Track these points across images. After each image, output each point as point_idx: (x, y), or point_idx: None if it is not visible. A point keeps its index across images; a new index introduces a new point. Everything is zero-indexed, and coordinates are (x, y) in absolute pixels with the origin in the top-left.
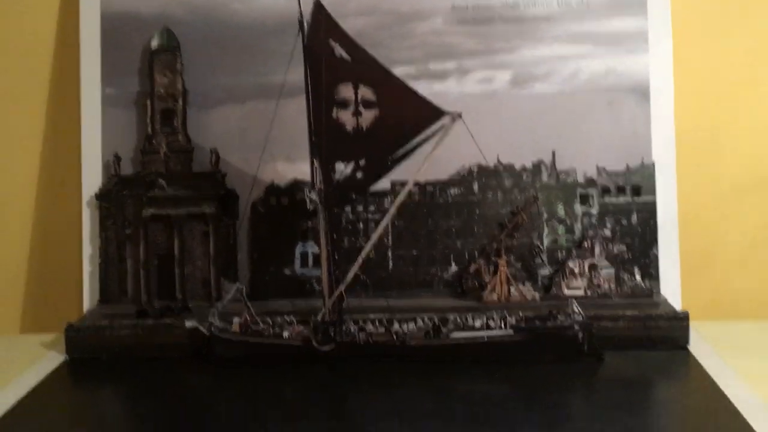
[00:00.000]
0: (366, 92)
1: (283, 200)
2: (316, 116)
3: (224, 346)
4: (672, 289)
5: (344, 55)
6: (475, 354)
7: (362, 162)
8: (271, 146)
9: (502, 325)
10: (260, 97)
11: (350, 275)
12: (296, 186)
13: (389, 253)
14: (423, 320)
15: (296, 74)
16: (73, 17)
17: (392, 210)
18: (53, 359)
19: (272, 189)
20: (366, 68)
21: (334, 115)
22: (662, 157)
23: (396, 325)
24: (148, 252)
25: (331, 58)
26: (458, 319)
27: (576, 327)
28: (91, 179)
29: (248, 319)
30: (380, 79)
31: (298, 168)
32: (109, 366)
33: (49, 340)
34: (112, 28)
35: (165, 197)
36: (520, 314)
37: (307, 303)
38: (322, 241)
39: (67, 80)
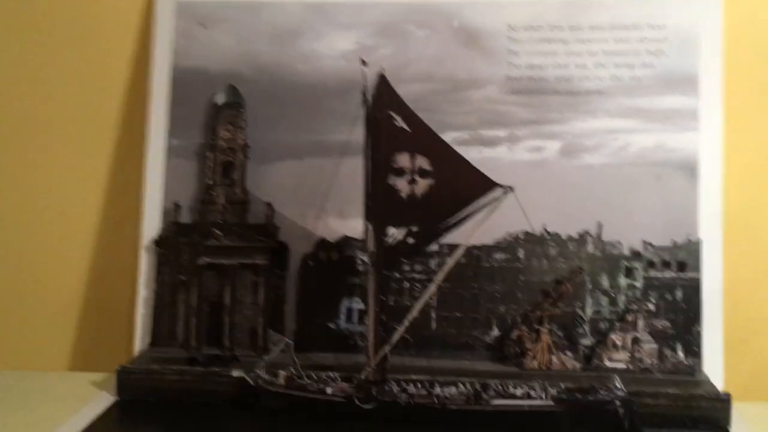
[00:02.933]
0: (422, 162)
1: (332, 255)
2: (373, 181)
3: (269, 397)
4: (714, 367)
5: (404, 125)
6: (514, 422)
7: (415, 228)
8: (325, 202)
9: (543, 395)
10: (317, 154)
11: (396, 337)
12: (346, 242)
13: (433, 314)
14: (464, 385)
15: (354, 136)
16: (145, 69)
17: (440, 276)
18: (104, 399)
19: (323, 244)
20: (423, 139)
21: (390, 181)
22: (708, 234)
23: (437, 389)
24: (200, 299)
25: (391, 128)
26: (499, 386)
27: (617, 402)
28: (151, 225)
29: (294, 372)
30: (437, 150)
31: (349, 225)
32: (157, 409)
33: (99, 379)
34: (182, 82)
35: (220, 247)
36: (562, 386)
37: (349, 358)
38: (371, 302)
39: (135, 129)
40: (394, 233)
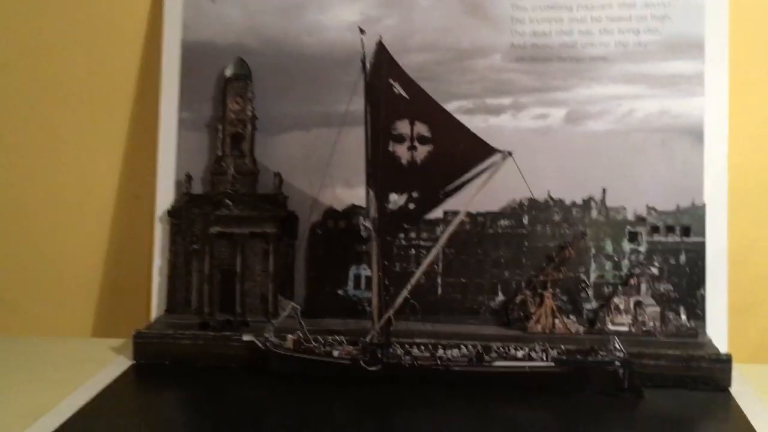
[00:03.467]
0: (421, 128)
1: (340, 224)
2: (373, 149)
3: (278, 360)
4: (718, 331)
5: (402, 93)
6: (516, 383)
7: (415, 194)
8: (332, 172)
9: (544, 357)
10: (324, 125)
11: (399, 300)
12: (353, 211)
13: (439, 280)
14: (467, 347)
15: (357, 105)
16: (156, 44)
17: (443, 240)
18: (121, 363)
19: (330, 213)
20: (422, 106)
21: (390, 148)
22: (714, 199)
23: (441, 351)
24: (212, 267)
25: (390, 95)
26: (501, 349)
27: (617, 363)
28: (165, 196)
29: (301, 336)
30: (435, 117)
31: (356, 194)
32: (172, 372)
33: (118, 345)
34: (191, 56)
35: (230, 216)
36: (562, 347)
37: (357, 323)
38: (374, 267)
39: (147, 103)
40: (396, 199)
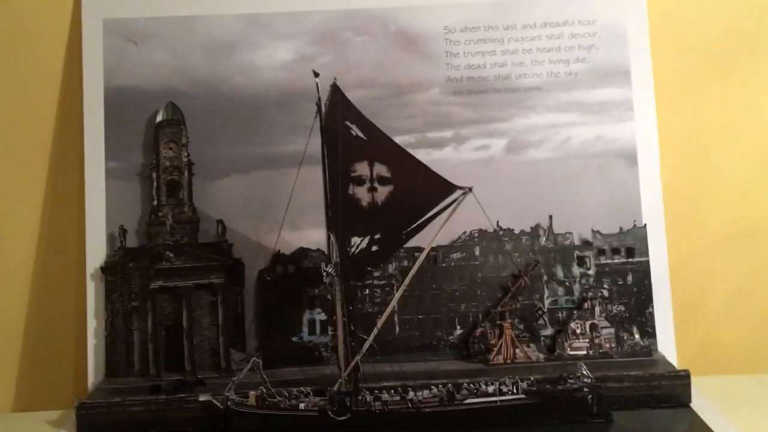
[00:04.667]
0: (381, 169)
1: (289, 268)
2: (332, 192)
3: (241, 419)
4: (667, 346)
5: (360, 134)
6: (488, 418)
7: (378, 236)
8: (276, 215)
9: (515, 390)
10: (263, 167)
11: (366, 346)
12: (302, 254)
13: (395, 318)
14: (438, 387)
15: (296, 145)
16: (76, 92)
17: (407, 280)
18: None
19: (278, 258)
20: (381, 146)
21: (350, 191)
22: (651, 219)
23: (411, 393)
24: (155, 324)
25: (348, 137)
26: (471, 385)
27: (585, 389)
28: (96, 252)
29: (264, 391)
30: (394, 157)
31: (304, 235)
32: None
33: (54, 417)
34: (116, 102)
35: (172, 269)
36: (532, 379)
37: (316, 370)
38: (338, 312)
39: (70, 154)
40: (357, 242)
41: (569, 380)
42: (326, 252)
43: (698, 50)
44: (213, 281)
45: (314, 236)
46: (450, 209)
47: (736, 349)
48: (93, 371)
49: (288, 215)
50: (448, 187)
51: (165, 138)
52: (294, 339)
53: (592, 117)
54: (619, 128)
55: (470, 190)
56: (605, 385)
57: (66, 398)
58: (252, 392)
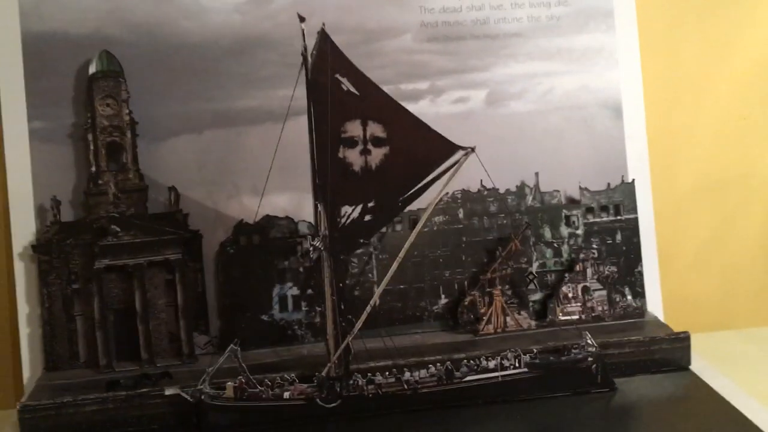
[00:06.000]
0: (375, 129)
1: (254, 239)
2: (320, 156)
3: (217, 413)
4: (655, 305)
5: (352, 89)
6: (487, 395)
7: (371, 204)
8: (236, 179)
9: (517, 363)
10: (219, 125)
11: (357, 326)
12: (268, 222)
13: (374, 288)
14: (435, 366)
15: (257, 100)
16: None
17: (402, 254)
18: None
19: (241, 227)
20: (375, 103)
21: (340, 154)
22: (637, 173)
23: (407, 374)
24: (103, 308)
25: (338, 93)
26: (472, 362)
27: (590, 359)
28: (23, 228)
29: (243, 381)
30: (391, 115)
31: (268, 201)
32: None
33: None
34: (37, 51)
35: (120, 245)
36: (534, 351)
37: (291, 351)
38: (327, 290)
39: None
40: (348, 212)
41: (573, 350)
42: (314, 223)
43: None
44: (168, 257)
45: (280, 202)
46: (450, 172)
47: (713, 304)
48: (29, 365)
49: (249, 178)
50: (449, 148)
51: (101, 93)
52: (264, 317)
53: (575, 65)
54: (604, 77)
55: (473, 150)
56: (606, 352)
57: (2, 397)
58: (229, 383)
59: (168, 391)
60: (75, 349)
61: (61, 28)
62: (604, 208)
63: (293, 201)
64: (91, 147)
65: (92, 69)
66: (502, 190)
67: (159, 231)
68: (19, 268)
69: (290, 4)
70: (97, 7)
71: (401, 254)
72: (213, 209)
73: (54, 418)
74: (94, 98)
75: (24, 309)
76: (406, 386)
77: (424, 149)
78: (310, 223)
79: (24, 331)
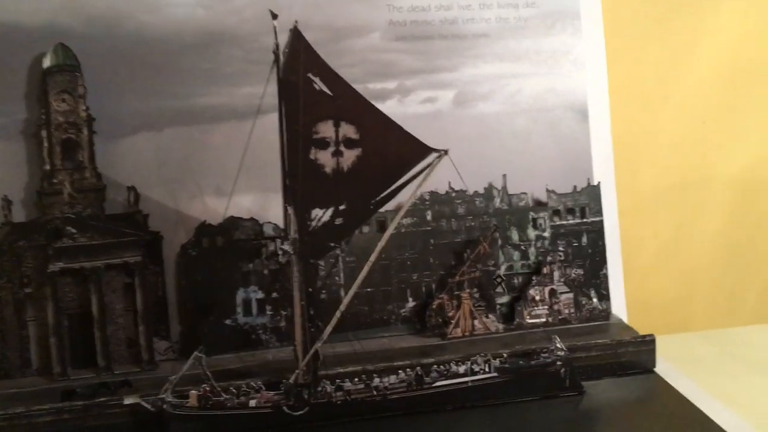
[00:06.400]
0: (348, 130)
1: (217, 241)
2: (291, 157)
3: (179, 423)
4: (620, 307)
5: (324, 89)
6: (457, 400)
7: (342, 207)
8: (198, 179)
9: (487, 368)
10: (180, 123)
11: (327, 332)
12: (232, 224)
13: (341, 292)
14: (405, 371)
15: (220, 98)
16: None
17: (373, 257)
18: None
19: (203, 229)
20: (348, 103)
21: (312, 155)
22: (602, 176)
23: (376, 380)
24: (57, 313)
25: (310, 92)
26: (441, 367)
27: (559, 363)
28: None
29: (207, 390)
30: (364, 116)
31: (232, 202)
32: None
33: None
34: None
35: (76, 247)
36: (504, 355)
37: (255, 356)
38: (296, 295)
39: None
40: (319, 215)
41: (543, 354)
42: (282, 226)
43: None
44: (127, 260)
45: (245, 202)
46: (423, 175)
47: (674, 305)
48: None
49: (212, 178)
50: (422, 150)
51: (56, 88)
52: (227, 322)
53: (542, 68)
54: (570, 80)
55: (446, 152)
56: (573, 356)
57: None
58: (193, 391)
59: (127, 401)
60: (27, 355)
61: (12, 19)
62: (570, 211)
63: (258, 202)
64: (45, 144)
65: (47, 63)
66: (470, 192)
67: (117, 232)
68: None
69: (257, 0)
70: None
71: (372, 258)
72: (174, 210)
73: (5, 430)
74: (48, 93)
75: None
76: (375, 392)
77: (397, 151)
78: (275, 225)
79: None
